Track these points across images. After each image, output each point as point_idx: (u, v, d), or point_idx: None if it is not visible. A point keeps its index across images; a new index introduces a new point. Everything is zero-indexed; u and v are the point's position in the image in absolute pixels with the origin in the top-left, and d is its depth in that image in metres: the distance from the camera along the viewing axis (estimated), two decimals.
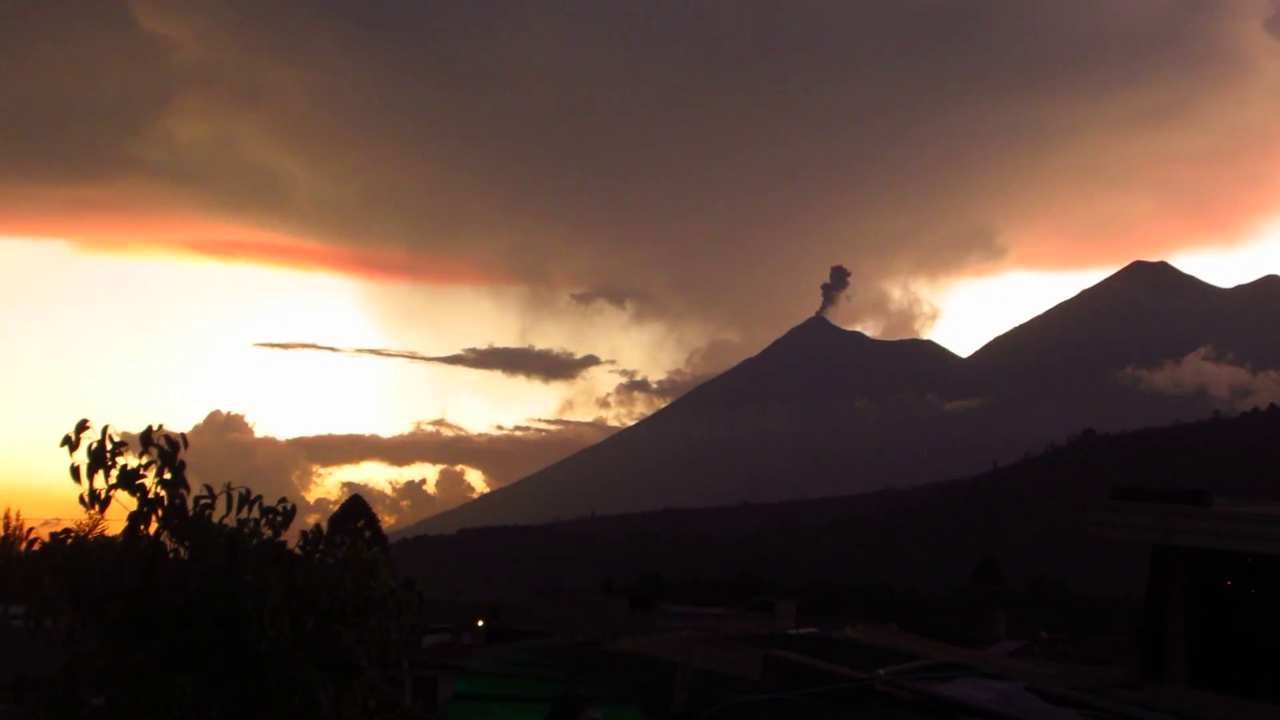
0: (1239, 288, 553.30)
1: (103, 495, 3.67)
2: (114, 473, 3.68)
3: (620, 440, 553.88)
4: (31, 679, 3.65)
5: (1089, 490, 15.32)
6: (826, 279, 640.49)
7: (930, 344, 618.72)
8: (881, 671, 8.93)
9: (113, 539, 3.73)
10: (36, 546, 3.80)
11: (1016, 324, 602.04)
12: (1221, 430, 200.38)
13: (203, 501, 3.84)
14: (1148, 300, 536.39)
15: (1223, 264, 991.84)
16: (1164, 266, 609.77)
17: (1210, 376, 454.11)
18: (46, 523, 4.43)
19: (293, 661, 3.65)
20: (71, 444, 3.60)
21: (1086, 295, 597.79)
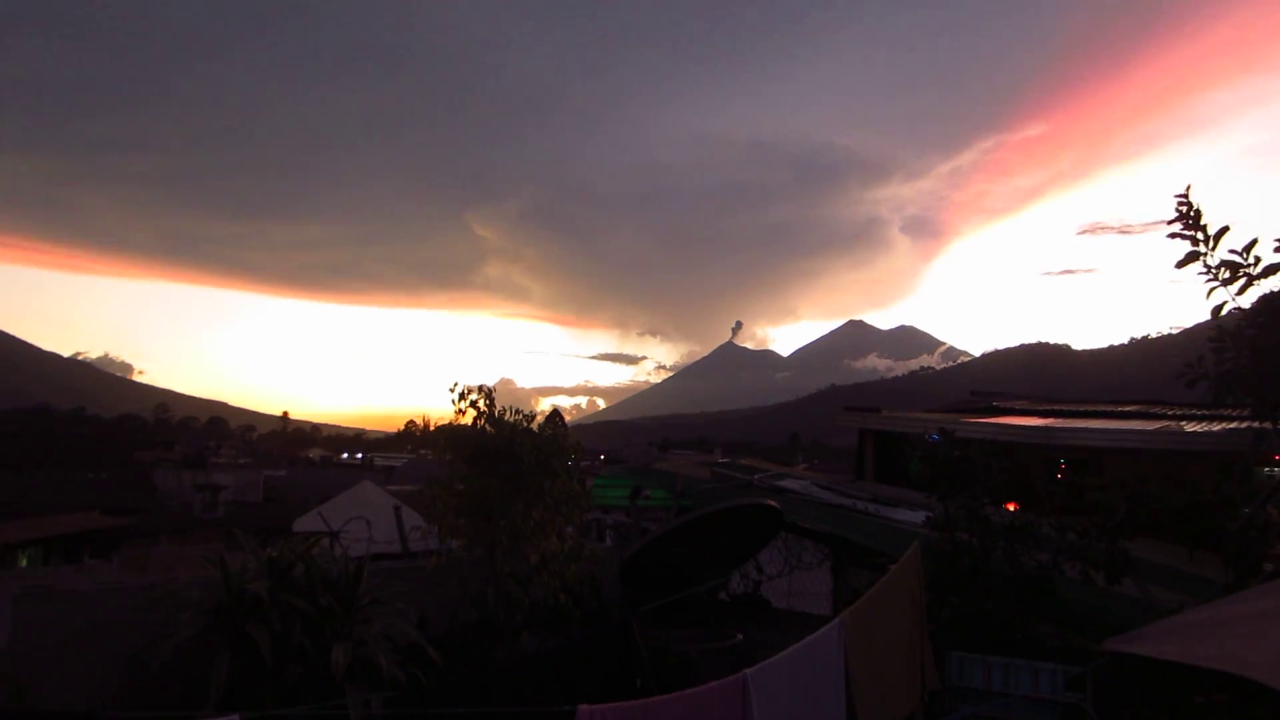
0: None
1: (463, 408, 9.47)
2: (466, 399, 9.46)
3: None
4: (433, 477, 9.58)
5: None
6: None
7: None
8: (756, 475, 17.87)
9: (467, 425, 9.54)
10: (433, 428, 9.68)
11: None
12: None
13: (498, 409, 9.61)
14: None
15: None
16: None
17: None
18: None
19: (534, 474, 9.42)
20: (453, 390, 9.39)
21: None
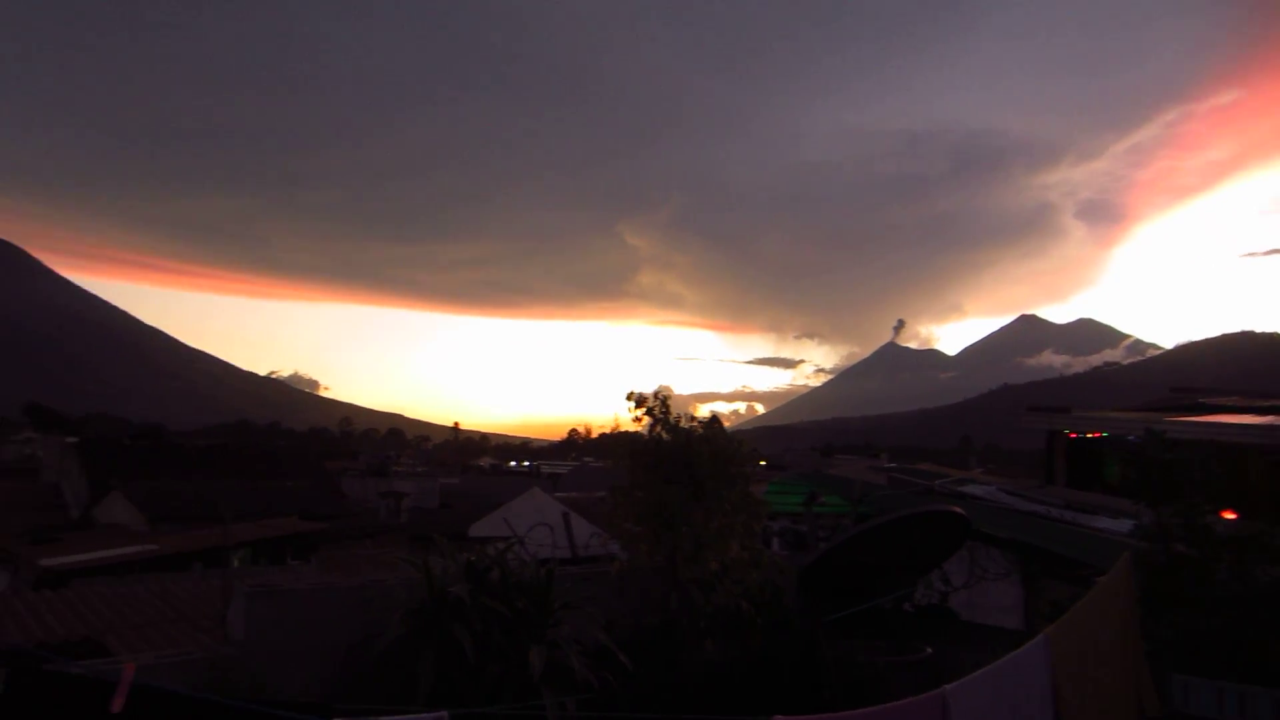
0: None
1: (638, 415, 9.58)
2: (642, 407, 9.57)
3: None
4: (617, 483, 9.73)
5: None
6: None
7: None
8: (936, 481, 17.53)
9: (642, 432, 9.65)
10: (594, 435, 9.83)
11: None
12: None
13: (673, 415, 9.66)
14: None
15: None
16: None
17: None
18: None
19: (712, 481, 9.40)
20: (629, 399, 9.52)
21: None
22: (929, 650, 10.24)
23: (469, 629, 6.62)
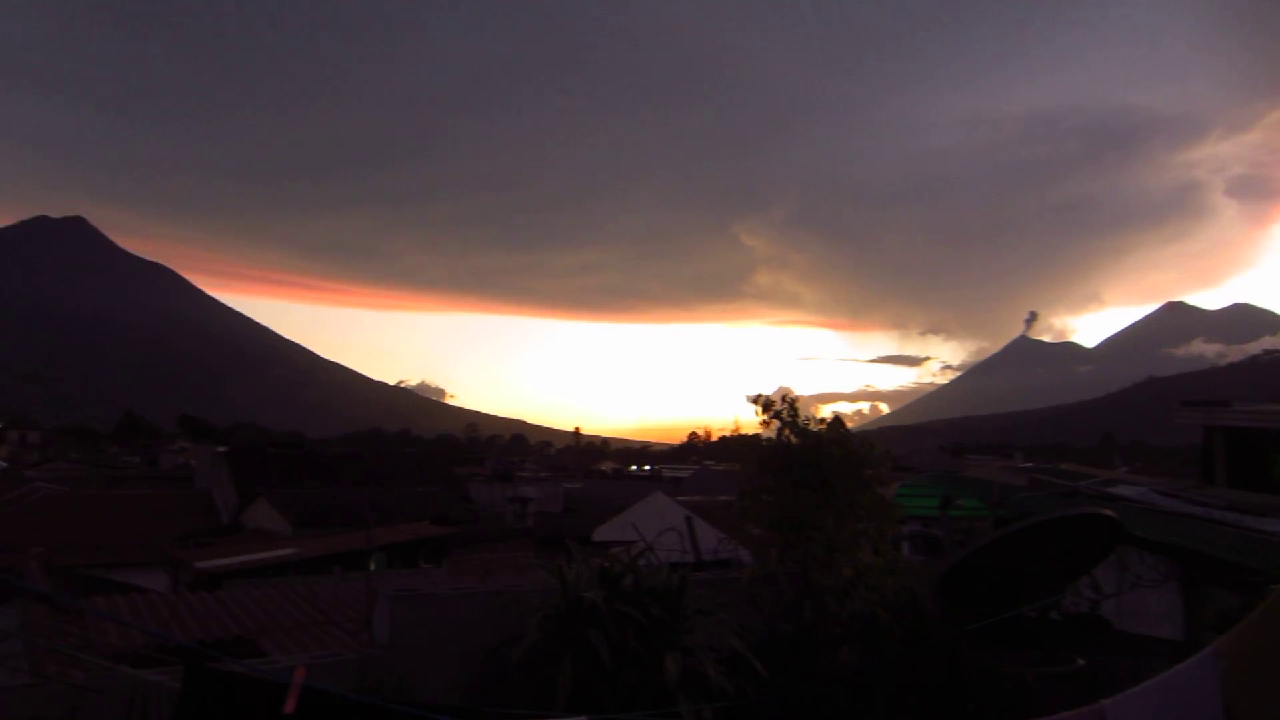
0: None
1: (766, 418, 9.44)
2: (768, 410, 9.42)
3: None
4: (746, 487, 9.60)
5: None
6: None
7: None
8: (1081, 482, 16.23)
9: (770, 436, 9.51)
10: (714, 439, 9.72)
11: None
12: None
13: (800, 418, 9.47)
14: None
15: None
16: None
17: None
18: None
19: (845, 484, 9.15)
20: (755, 401, 9.40)
21: None
22: (1081, 661, 9.68)
23: (605, 635, 6.64)
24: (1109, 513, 10.81)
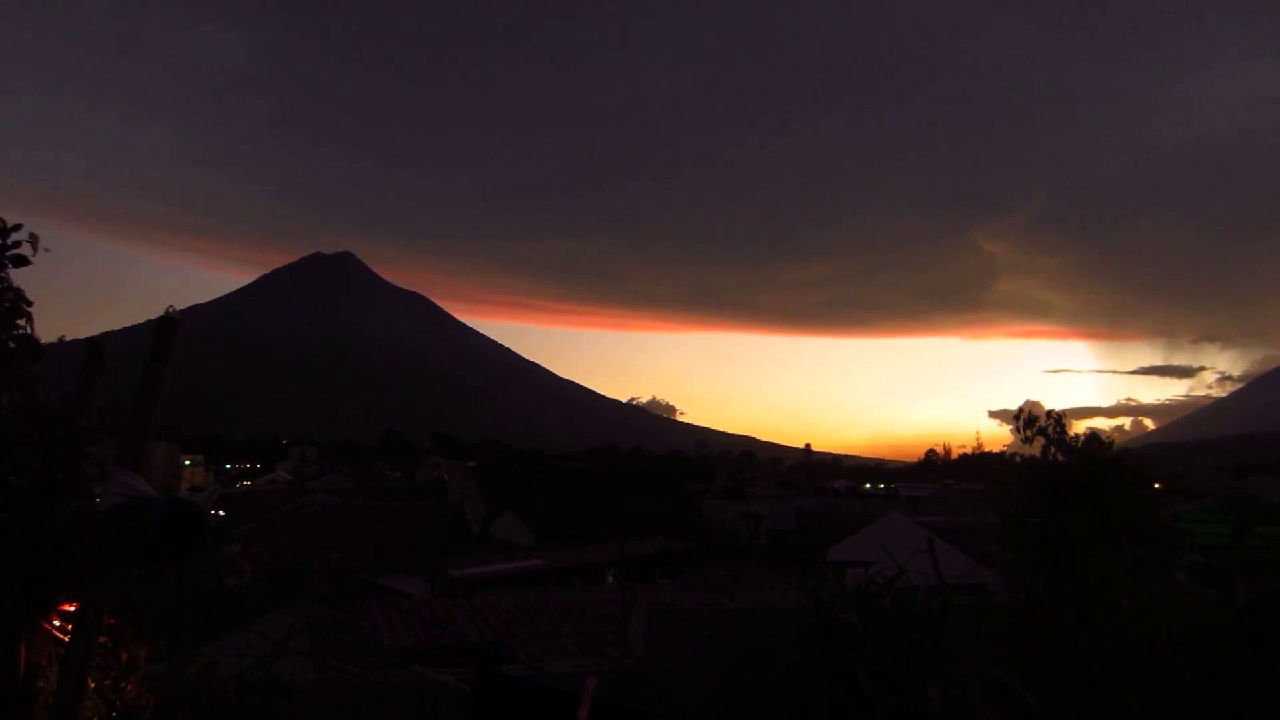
0: None
1: (1029, 436, 8.82)
2: (1032, 427, 8.80)
3: None
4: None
5: None
6: None
7: None
8: None
9: (1034, 455, 8.87)
10: (954, 456, 9.13)
11: None
12: None
13: (1055, 433, 8.76)
14: None
15: None
16: None
17: None
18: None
19: (1123, 507, 8.33)
20: (1018, 419, 8.82)
21: None
22: None
23: (862, 658, 6.42)
24: None
